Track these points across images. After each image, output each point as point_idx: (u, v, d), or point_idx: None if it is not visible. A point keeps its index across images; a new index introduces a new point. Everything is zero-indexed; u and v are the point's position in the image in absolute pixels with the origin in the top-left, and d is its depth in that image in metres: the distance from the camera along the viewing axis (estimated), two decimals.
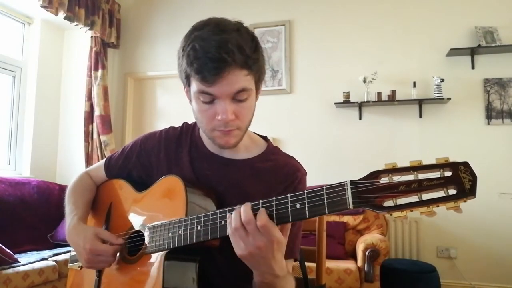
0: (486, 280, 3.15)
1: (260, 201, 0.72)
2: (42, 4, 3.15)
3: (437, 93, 3.27)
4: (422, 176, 0.59)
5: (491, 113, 3.27)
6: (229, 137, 0.86)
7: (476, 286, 3.17)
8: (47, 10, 3.25)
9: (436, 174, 0.58)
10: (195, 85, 0.82)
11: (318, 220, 1.20)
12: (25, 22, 3.82)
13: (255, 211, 0.71)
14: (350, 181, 0.63)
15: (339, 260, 2.86)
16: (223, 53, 0.76)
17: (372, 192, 0.61)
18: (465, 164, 0.57)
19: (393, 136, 3.45)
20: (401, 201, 0.59)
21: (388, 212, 0.60)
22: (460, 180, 0.57)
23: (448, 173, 0.58)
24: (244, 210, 0.70)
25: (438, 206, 0.57)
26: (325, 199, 0.65)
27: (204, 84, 0.79)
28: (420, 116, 3.41)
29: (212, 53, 0.76)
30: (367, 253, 2.70)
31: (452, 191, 0.57)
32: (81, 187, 1.10)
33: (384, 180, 0.61)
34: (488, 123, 3.27)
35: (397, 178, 0.60)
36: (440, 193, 0.58)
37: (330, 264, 2.68)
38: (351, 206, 0.62)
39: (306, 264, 1.12)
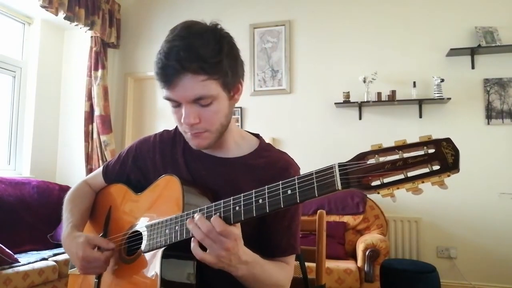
0: (486, 280, 3.15)
1: (253, 191, 0.74)
2: (42, 4, 3.16)
3: (437, 93, 3.27)
4: (407, 154, 0.60)
5: (491, 113, 3.27)
6: (199, 139, 0.88)
7: (476, 286, 3.17)
8: (47, 10, 3.26)
9: (420, 152, 0.60)
10: (163, 92, 0.85)
11: (318, 220, 1.20)
12: (25, 22, 3.82)
13: (248, 203, 0.73)
14: (338, 163, 0.65)
15: (339, 260, 2.85)
16: (172, 60, 0.79)
17: (359, 173, 0.62)
18: (447, 140, 0.59)
19: (393, 136, 3.41)
20: (388, 180, 0.61)
21: (375, 190, 0.61)
22: (443, 156, 0.58)
23: (431, 150, 0.59)
24: (201, 222, 0.74)
25: (423, 182, 0.58)
26: (315, 182, 0.67)
27: (165, 90, 0.83)
28: (420, 116, 3.41)
29: (164, 61, 0.80)
30: (367, 253, 2.69)
31: (436, 167, 0.58)
32: (77, 196, 1.11)
33: (371, 161, 0.62)
34: (488, 123, 3.27)
35: (384, 159, 0.61)
36: (425, 170, 0.59)
37: (330, 264, 2.67)
38: (339, 187, 0.63)
39: (306, 264, 1.13)
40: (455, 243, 3.25)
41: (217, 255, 0.74)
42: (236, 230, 0.75)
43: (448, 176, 0.57)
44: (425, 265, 2.91)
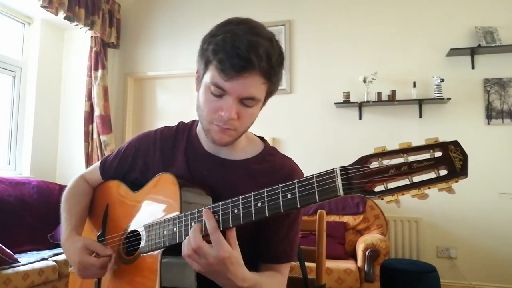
0: (486, 280, 3.15)
1: (252, 193, 0.72)
2: (42, 4, 3.16)
3: (437, 93, 3.27)
4: (412, 158, 0.57)
5: (491, 113, 3.27)
6: (224, 135, 0.85)
7: (476, 286, 3.17)
8: (47, 10, 3.26)
9: (426, 156, 0.57)
10: (211, 75, 0.81)
11: (318, 220, 1.20)
12: (25, 22, 3.82)
13: (247, 207, 0.71)
14: (340, 167, 0.62)
15: (339, 260, 2.85)
16: (252, 54, 0.76)
17: (362, 178, 0.59)
18: (455, 144, 0.56)
19: (393, 136, 3.44)
20: (392, 185, 0.58)
21: (379, 196, 0.58)
22: (450, 160, 0.55)
23: (438, 154, 0.56)
24: (193, 236, 0.74)
25: (429, 188, 0.56)
26: (316, 187, 0.64)
27: (221, 77, 0.78)
28: (420, 116, 3.40)
29: (242, 51, 0.76)
30: (367, 253, 2.70)
31: (443, 172, 0.55)
32: (76, 193, 1.09)
33: (374, 164, 0.59)
34: (488, 123, 3.27)
35: (387, 162, 0.58)
36: (431, 175, 0.56)
37: (330, 264, 2.67)
38: (341, 193, 0.61)
39: (306, 264, 1.12)
40: (455, 243, 3.25)
41: (202, 268, 0.74)
42: (227, 248, 0.73)
43: (456, 181, 0.55)
44: (425, 265, 2.91)
